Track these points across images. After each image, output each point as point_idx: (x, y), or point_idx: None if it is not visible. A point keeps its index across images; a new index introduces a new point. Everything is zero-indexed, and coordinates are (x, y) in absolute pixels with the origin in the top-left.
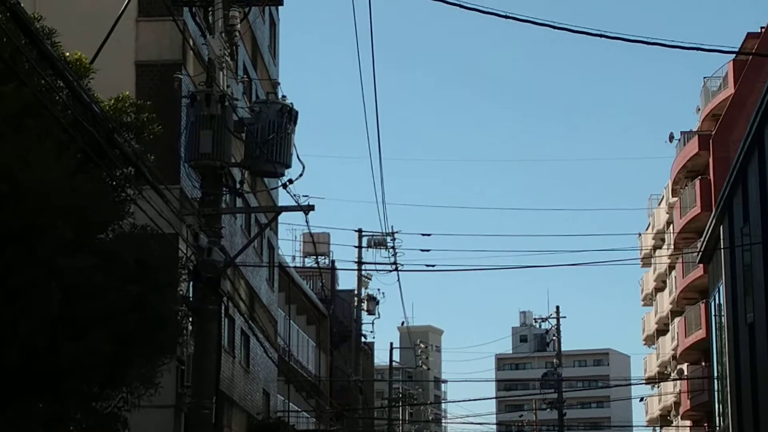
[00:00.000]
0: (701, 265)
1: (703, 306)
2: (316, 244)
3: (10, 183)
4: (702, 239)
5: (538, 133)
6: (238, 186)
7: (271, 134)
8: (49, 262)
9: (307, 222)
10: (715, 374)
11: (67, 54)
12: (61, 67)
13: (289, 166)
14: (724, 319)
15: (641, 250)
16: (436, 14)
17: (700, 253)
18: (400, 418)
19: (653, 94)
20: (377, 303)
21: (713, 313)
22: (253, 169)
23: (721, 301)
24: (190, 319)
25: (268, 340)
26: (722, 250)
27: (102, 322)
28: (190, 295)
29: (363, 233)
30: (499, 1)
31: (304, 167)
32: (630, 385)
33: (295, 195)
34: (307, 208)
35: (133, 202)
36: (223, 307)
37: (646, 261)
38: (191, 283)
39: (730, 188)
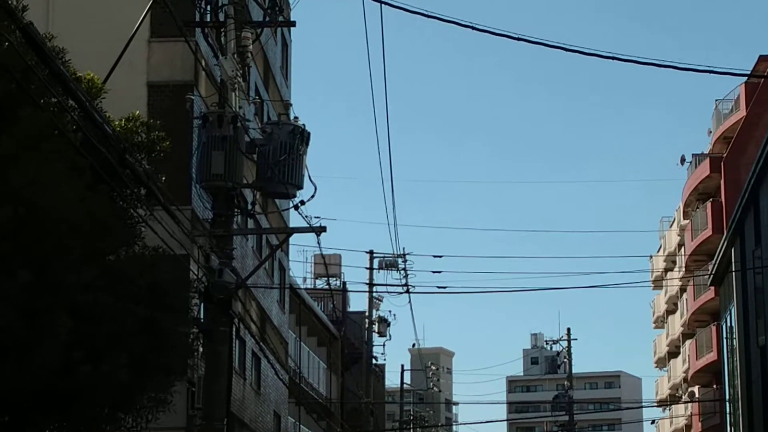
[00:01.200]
0: (713, 288)
1: (714, 328)
2: (327, 265)
3: (25, 205)
4: (713, 262)
5: (550, 155)
6: (249, 207)
7: (282, 155)
8: (61, 285)
9: (318, 243)
10: (727, 397)
11: (79, 74)
12: (73, 87)
13: (300, 187)
14: (735, 342)
15: (652, 272)
16: (448, 38)
17: (712, 275)
18: None
19: (664, 117)
20: (388, 325)
21: (725, 335)
22: (264, 191)
23: (733, 324)
24: (201, 340)
25: (278, 362)
26: (734, 273)
27: (115, 346)
28: (201, 316)
29: (374, 255)
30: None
31: (315, 188)
32: (641, 407)
33: (306, 216)
34: (319, 230)
35: (145, 223)
36: (234, 329)
37: (658, 283)
38: (202, 304)
39: (741, 211)
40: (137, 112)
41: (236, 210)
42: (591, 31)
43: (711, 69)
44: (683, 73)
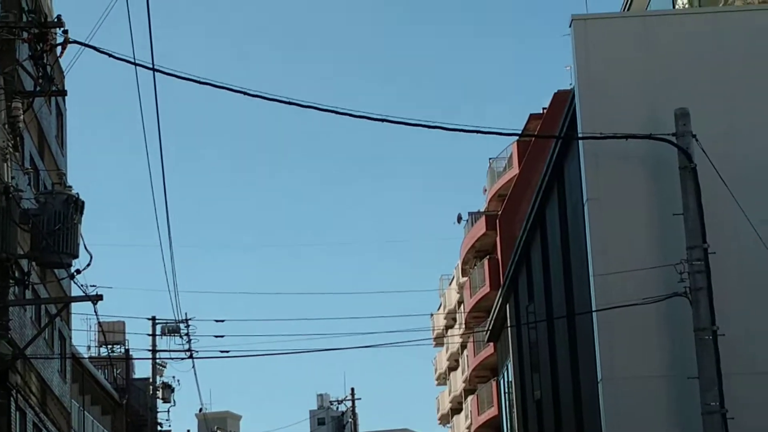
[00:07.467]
0: (491, 344)
1: (494, 384)
2: (110, 333)
3: None
4: (490, 318)
5: (330, 215)
6: (25, 278)
7: (57, 225)
8: None
9: (95, 312)
10: None
11: None
12: None
13: (76, 256)
14: (513, 396)
15: (434, 330)
16: (223, 100)
17: (489, 331)
18: None
19: (440, 176)
20: (173, 390)
21: (503, 390)
22: (40, 260)
23: (511, 379)
24: None
25: None
26: (509, 329)
27: None
28: None
29: (157, 321)
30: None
31: (91, 257)
32: None
33: (83, 285)
34: (95, 298)
35: None
36: (12, 401)
37: (439, 341)
38: None
39: (514, 267)
40: None
41: (12, 281)
42: (351, 95)
43: (479, 129)
44: (457, 133)
